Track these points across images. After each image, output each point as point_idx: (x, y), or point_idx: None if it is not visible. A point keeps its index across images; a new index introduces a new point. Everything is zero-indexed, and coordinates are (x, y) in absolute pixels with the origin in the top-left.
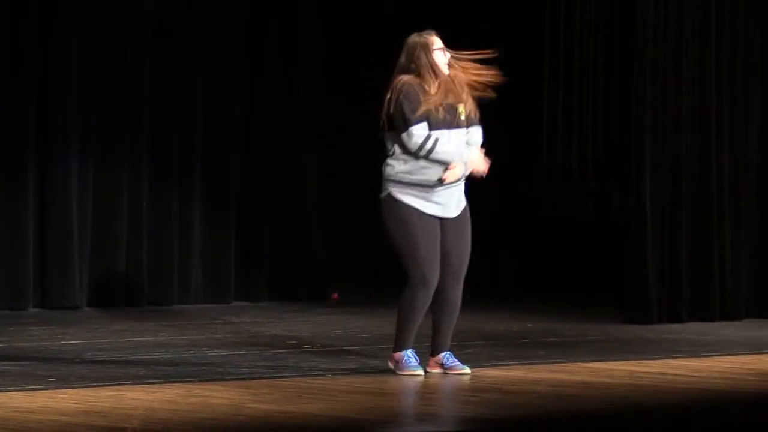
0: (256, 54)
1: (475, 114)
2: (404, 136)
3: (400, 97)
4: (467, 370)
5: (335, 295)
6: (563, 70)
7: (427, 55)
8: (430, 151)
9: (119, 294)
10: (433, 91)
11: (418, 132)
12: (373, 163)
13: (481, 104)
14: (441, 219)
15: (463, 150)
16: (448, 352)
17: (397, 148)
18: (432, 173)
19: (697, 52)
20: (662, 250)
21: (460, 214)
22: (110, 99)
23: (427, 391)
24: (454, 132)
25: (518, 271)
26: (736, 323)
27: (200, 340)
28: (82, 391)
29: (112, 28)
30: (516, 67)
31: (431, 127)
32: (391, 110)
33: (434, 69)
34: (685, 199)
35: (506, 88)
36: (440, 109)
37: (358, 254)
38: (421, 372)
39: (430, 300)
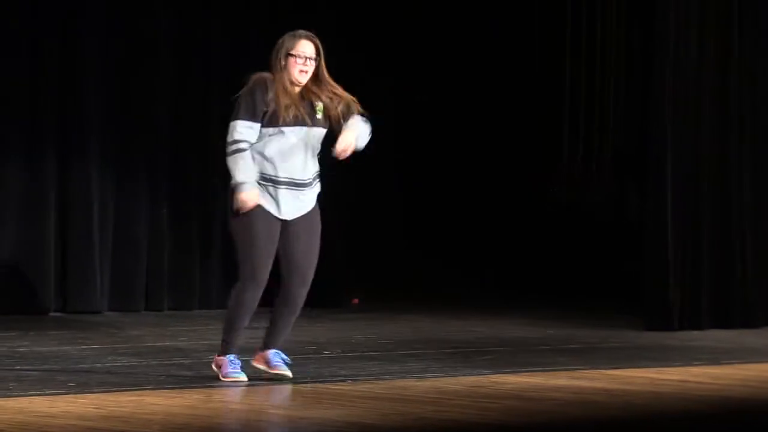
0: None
1: (348, 112)
2: (230, 125)
3: (245, 91)
4: (288, 374)
5: (355, 300)
6: (584, 72)
7: (282, 58)
8: (228, 153)
9: (140, 299)
10: (281, 90)
11: (239, 129)
12: (394, 162)
13: (498, 106)
14: (283, 221)
15: (251, 173)
16: (277, 351)
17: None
18: (269, 167)
19: (719, 49)
20: (682, 256)
21: (305, 217)
22: (130, 104)
23: (446, 397)
24: (302, 129)
25: (537, 276)
26: (757, 330)
27: (219, 345)
28: (103, 396)
29: (131, 37)
30: (537, 69)
31: (278, 123)
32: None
33: (286, 73)
34: (706, 204)
35: (525, 89)
36: (291, 108)
37: (379, 259)
38: (244, 378)
39: (257, 301)
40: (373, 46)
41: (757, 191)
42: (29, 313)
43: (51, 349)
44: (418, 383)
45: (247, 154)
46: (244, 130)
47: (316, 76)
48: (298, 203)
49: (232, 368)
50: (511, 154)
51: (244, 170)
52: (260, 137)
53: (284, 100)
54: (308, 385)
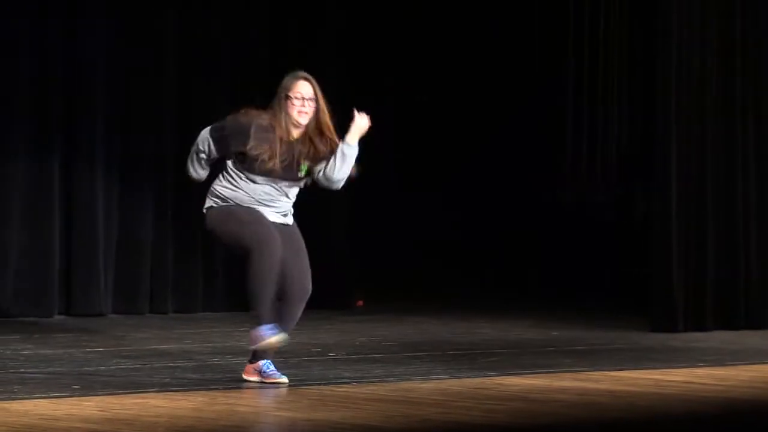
0: (278, 58)
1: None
2: (205, 130)
3: (232, 121)
4: (285, 380)
5: (360, 303)
6: (588, 73)
7: (281, 99)
8: (193, 152)
9: (144, 301)
10: (278, 134)
11: (206, 141)
12: (402, 167)
13: (500, 106)
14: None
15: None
16: (269, 361)
17: (228, 165)
18: (247, 199)
19: (722, 49)
20: (688, 258)
21: (291, 228)
22: (134, 105)
23: (451, 398)
24: (273, 182)
25: (543, 278)
26: (762, 332)
27: (225, 348)
28: (107, 399)
29: (136, 36)
30: (540, 69)
31: (252, 171)
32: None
33: (285, 115)
34: (711, 206)
35: (532, 92)
36: (277, 161)
37: (383, 261)
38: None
39: (276, 262)
40: (375, 46)
41: (762, 191)
42: (33, 315)
43: (55, 352)
44: (422, 385)
45: (203, 162)
46: (207, 144)
47: (316, 120)
48: (279, 216)
49: (269, 331)
50: (515, 154)
51: (198, 170)
52: (234, 171)
53: (272, 151)
54: (313, 387)
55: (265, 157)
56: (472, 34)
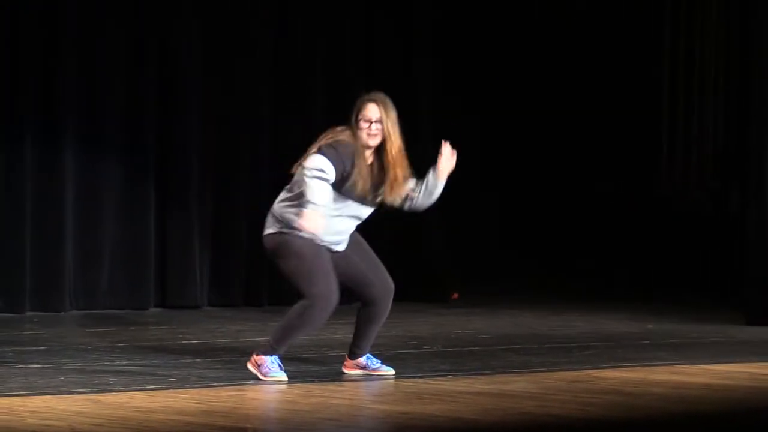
0: (371, 53)
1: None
2: (314, 155)
3: (332, 145)
4: (392, 372)
5: (455, 295)
6: (683, 67)
7: (354, 122)
8: (310, 176)
9: (239, 293)
10: (363, 158)
11: (326, 165)
12: (493, 163)
13: (597, 103)
14: (332, 252)
15: (326, 200)
16: (369, 354)
17: (295, 190)
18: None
19: None
20: None
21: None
22: (230, 103)
23: (547, 392)
24: (361, 206)
25: (637, 271)
26: None
27: (321, 340)
28: (203, 391)
29: (230, 38)
30: (636, 65)
31: (346, 192)
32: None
33: (359, 138)
34: None
35: (625, 86)
36: (360, 182)
37: (479, 254)
38: (284, 377)
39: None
40: (469, 43)
41: None
42: (129, 308)
43: (151, 344)
44: (518, 378)
45: (329, 186)
46: (329, 168)
47: (385, 145)
48: (342, 240)
49: (273, 367)
50: (608, 149)
51: (322, 194)
52: None
53: (360, 174)
54: (408, 380)
55: (361, 175)
56: (567, 30)
